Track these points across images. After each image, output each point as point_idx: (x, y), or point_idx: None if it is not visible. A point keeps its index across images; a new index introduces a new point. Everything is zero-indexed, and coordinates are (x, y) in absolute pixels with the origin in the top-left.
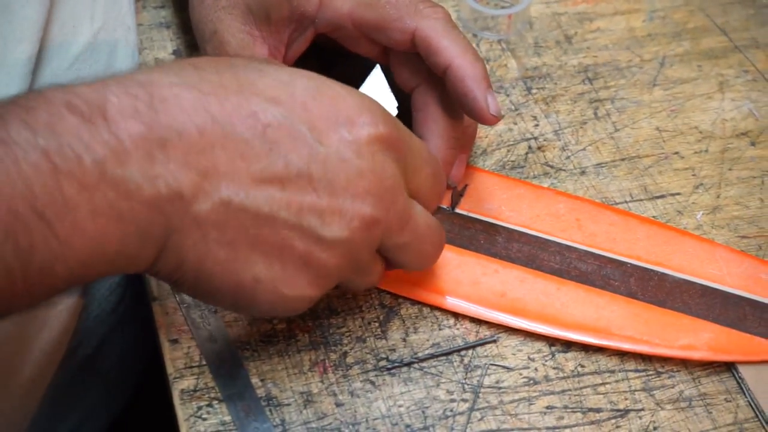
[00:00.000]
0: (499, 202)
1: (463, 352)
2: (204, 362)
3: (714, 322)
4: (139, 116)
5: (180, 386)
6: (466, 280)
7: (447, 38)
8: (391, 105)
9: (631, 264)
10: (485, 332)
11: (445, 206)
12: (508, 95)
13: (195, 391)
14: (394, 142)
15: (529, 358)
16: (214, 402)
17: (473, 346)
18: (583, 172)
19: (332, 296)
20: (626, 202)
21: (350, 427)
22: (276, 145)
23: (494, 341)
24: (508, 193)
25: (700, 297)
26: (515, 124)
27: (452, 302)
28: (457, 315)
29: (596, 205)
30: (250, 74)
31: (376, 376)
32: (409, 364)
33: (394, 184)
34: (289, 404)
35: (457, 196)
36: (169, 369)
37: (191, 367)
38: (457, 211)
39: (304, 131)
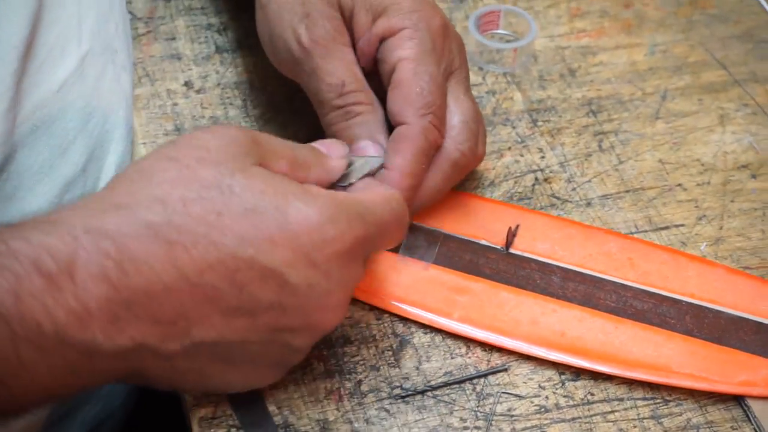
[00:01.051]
0: (551, 241)
1: (475, 381)
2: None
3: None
4: (108, 279)
5: (199, 414)
6: (525, 319)
7: (410, 151)
8: None
9: (686, 302)
10: (497, 360)
11: (499, 246)
12: (514, 127)
13: (213, 418)
14: (360, 244)
15: (539, 386)
16: (232, 429)
17: (485, 375)
18: (588, 204)
19: (346, 325)
20: (631, 233)
21: None
22: (246, 286)
23: (505, 370)
24: (560, 232)
25: (755, 334)
26: (521, 156)
27: (512, 343)
28: (468, 344)
29: (646, 244)
30: (216, 201)
31: (390, 404)
32: (422, 392)
33: (359, 280)
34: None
35: (511, 237)
36: (188, 397)
37: (209, 395)
38: (512, 251)
39: (273, 267)
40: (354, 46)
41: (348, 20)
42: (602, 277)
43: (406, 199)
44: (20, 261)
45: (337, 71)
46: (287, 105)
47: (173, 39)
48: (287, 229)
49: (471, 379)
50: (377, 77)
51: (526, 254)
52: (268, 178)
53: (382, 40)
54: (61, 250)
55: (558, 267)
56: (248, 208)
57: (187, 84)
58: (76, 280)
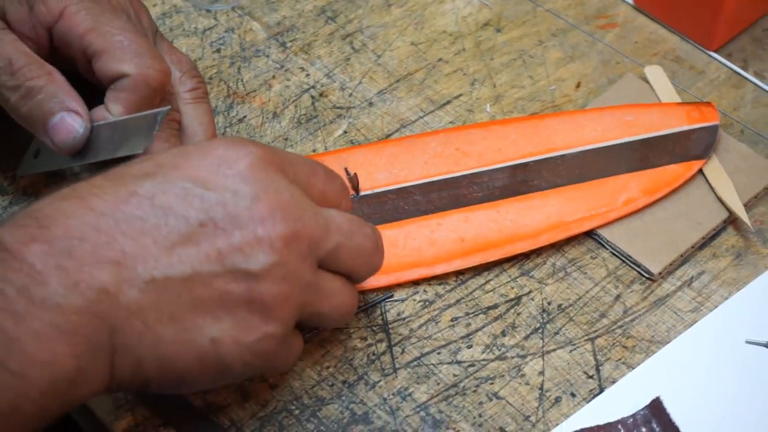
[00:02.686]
0: (384, 168)
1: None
2: (130, 396)
3: (628, 171)
4: (35, 238)
5: (120, 427)
6: (423, 244)
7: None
8: None
9: (532, 161)
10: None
11: (351, 195)
12: (267, 56)
13: (137, 425)
14: (273, 160)
15: (414, 284)
16: (161, 428)
17: (377, 303)
18: (370, 104)
19: None
20: (421, 117)
21: (295, 402)
22: (168, 209)
23: (391, 296)
24: (383, 156)
25: (603, 158)
26: (288, 80)
27: (433, 269)
28: None
29: (459, 130)
30: (118, 169)
31: None
32: (316, 328)
33: (293, 195)
34: (228, 404)
35: (356, 181)
36: (101, 414)
37: (120, 405)
38: (363, 193)
39: (188, 186)
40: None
41: (1, 17)
42: (451, 176)
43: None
44: None
45: (0, 53)
46: None
47: None
48: (187, 155)
49: (365, 309)
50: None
51: (376, 190)
52: None
53: (49, 27)
54: None
55: (411, 186)
56: (144, 159)
57: None
58: (9, 249)
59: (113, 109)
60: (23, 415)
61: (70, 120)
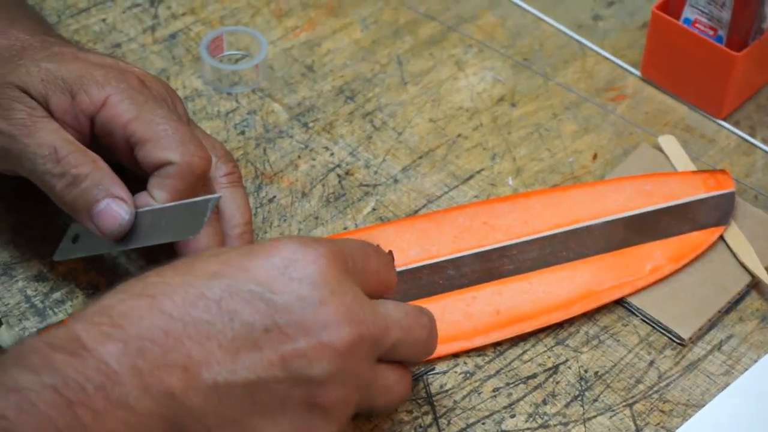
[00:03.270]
0: (415, 244)
1: None
2: None
3: (653, 240)
4: (111, 337)
5: None
6: (460, 318)
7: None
8: None
9: (559, 233)
10: None
11: None
12: (291, 136)
13: None
14: (337, 261)
15: (453, 357)
16: None
17: (420, 375)
18: (396, 180)
19: None
20: (446, 192)
21: None
22: (235, 313)
23: (433, 369)
24: (413, 232)
25: (625, 229)
26: (313, 159)
27: (472, 342)
28: None
29: (484, 204)
30: (187, 262)
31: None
32: None
33: (355, 296)
34: None
35: (391, 256)
36: None
37: None
38: (398, 269)
39: (254, 289)
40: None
41: (43, 104)
42: (482, 250)
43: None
44: (35, 347)
45: (45, 141)
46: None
47: None
48: (255, 255)
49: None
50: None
51: (410, 266)
52: None
53: (91, 116)
54: (61, 334)
55: (444, 261)
56: (212, 255)
57: None
58: (88, 347)
59: (158, 196)
60: None
61: (115, 207)
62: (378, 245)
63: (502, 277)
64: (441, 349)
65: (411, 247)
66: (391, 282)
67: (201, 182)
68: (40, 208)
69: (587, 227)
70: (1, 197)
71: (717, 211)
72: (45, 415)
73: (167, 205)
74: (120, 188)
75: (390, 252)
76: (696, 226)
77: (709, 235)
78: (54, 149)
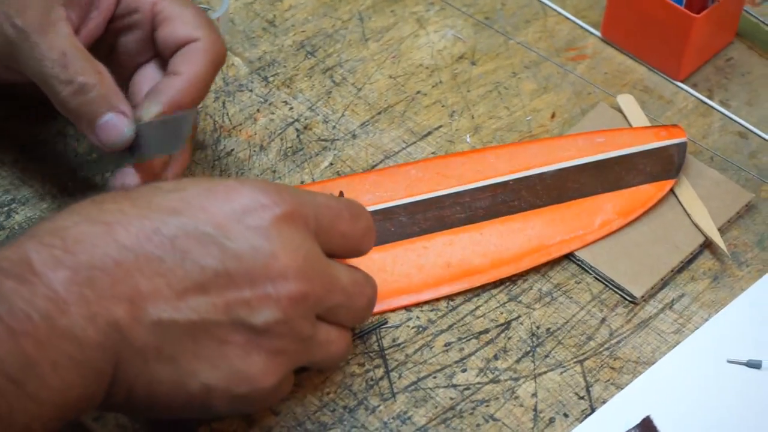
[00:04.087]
0: (368, 191)
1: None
2: (137, 425)
3: (604, 192)
4: (62, 263)
5: None
6: (411, 269)
7: (204, 58)
8: None
9: (511, 179)
10: None
11: None
12: (251, 90)
13: None
14: (296, 213)
15: (406, 310)
16: None
17: (373, 330)
18: (354, 135)
19: None
20: (403, 148)
21: (298, 428)
22: (187, 253)
23: (386, 323)
24: (365, 183)
25: (579, 176)
26: (272, 113)
27: (421, 295)
28: None
29: (438, 158)
30: (146, 194)
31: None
32: None
33: (308, 253)
34: (234, 430)
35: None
36: None
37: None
38: None
39: (210, 232)
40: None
41: None
42: (434, 195)
43: (188, 105)
44: None
45: (56, 44)
46: (36, 141)
47: None
48: (215, 197)
49: (361, 335)
50: (119, 38)
51: None
52: None
53: None
54: (13, 254)
55: (396, 206)
56: (172, 189)
57: None
58: (37, 272)
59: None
60: None
61: (118, 121)
62: (359, 209)
63: (453, 227)
64: (392, 303)
65: (364, 195)
66: (362, 249)
67: (217, 70)
68: None
69: (540, 174)
70: None
71: (668, 163)
72: None
73: (160, 119)
74: (123, 103)
75: (341, 192)
76: (647, 177)
77: (659, 189)
78: (63, 54)
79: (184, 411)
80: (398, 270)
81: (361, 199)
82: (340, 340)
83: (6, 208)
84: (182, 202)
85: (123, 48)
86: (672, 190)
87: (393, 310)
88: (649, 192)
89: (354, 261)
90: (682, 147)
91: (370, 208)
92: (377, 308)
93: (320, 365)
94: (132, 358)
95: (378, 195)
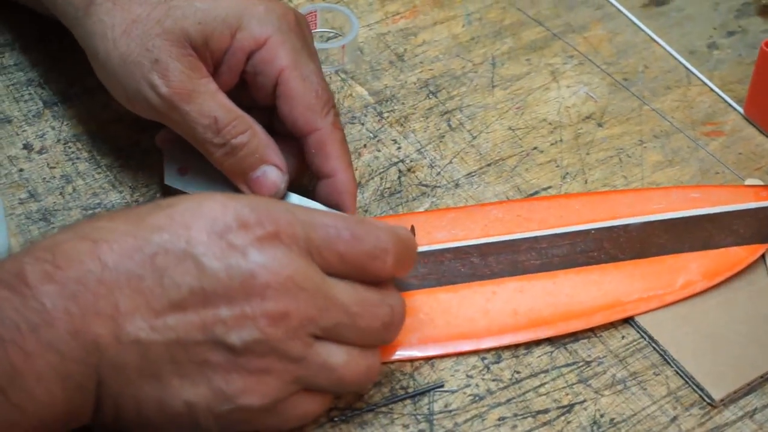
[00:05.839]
0: (444, 229)
1: (405, 383)
2: None
3: (690, 250)
4: (50, 276)
5: None
6: (476, 314)
7: (340, 149)
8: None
9: (593, 229)
10: (419, 361)
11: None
12: (363, 124)
13: None
14: (283, 233)
15: (467, 375)
16: None
17: (427, 391)
18: (457, 185)
19: None
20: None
21: None
22: (165, 271)
23: (442, 386)
24: (443, 219)
25: (666, 233)
26: (379, 151)
27: (481, 343)
28: None
29: (524, 201)
30: (141, 212)
31: (332, 427)
32: (360, 410)
33: (295, 272)
34: None
35: (413, 233)
36: None
37: None
38: (421, 249)
39: (189, 250)
40: (216, 68)
41: (202, 47)
42: (513, 238)
43: (353, 191)
44: None
45: (206, 110)
46: (135, 148)
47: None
48: (200, 213)
49: (412, 396)
50: (244, 87)
51: (433, 246)
52: None
53: (249, 53)
54: (9, 266)
55: (469, 246)
56: (165, 206)
57: (27, 146)
58: (29, 285)
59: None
60: None
61: (272, 175)
62: (368, 231)
63: (527, 273)
64: (448, 348)
65: (438, 231)
66: (370, 270)
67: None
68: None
69: (624, 226)
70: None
71: (763, 226)
72: None
73: None
74: (276, 155)
75: (412, 227)
76: (739, 239)
77: (750, 252)
78: (215, 120)
79: (174, 429)
80: (463, 313)
81: (434, 236)
82: (353, 362)
83: (90, 212)
84: (168, 219)
85: (254, 96)
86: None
87: (450, 356)
88: (739, 255)
89: (418, 298)
90: None
91: (443, 246)
92: (439, 351)
93: (333, 389)
94: (114, 375)
95: (453, 233)
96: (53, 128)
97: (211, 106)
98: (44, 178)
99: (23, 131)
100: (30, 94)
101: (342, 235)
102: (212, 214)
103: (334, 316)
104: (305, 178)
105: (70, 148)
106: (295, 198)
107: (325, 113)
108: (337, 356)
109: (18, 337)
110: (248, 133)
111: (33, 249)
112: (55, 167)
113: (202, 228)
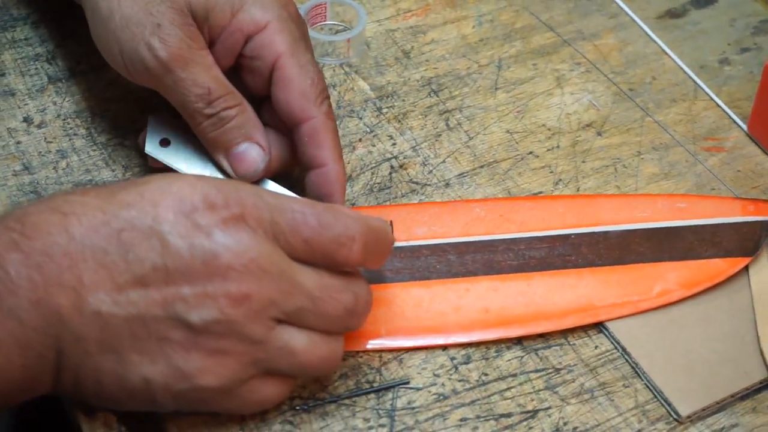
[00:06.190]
0: (423, 224)
1: (371, 377)
2: (123, 428)
3: (670, 260)
4: (17, 246)
5: None
6: (448, 309)
7: (333, 140)
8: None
9: (573, 234)
10: (387, 355)
11: None
12: (360, 118)
13: None
14: (248, 215)
15: (434, 374)
16: None
17: (391, 386)
18: (447, 185)
19: None
20: None
21: None
22: (131, 247)
23: (407, 382)
24: (425, 214)
25: (647, 241)
26: (373, 146)
27: (450, 337)
28: None
29: (507, 200)
30: (114, 188)
31: (293, 416)
32: (323, 401)
33: (259, 254)
34: None
35: (390, 229)
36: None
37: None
38: (398, 245)
39: (155, 227)
40: (211, 45)
41: (202, 20)
42: (491, 239)
43: (342, 182)
44: None
45: (200, 79)
46: (133, 127)
47: (2, 75)
48: (170, 193)
49: (377, 390)
50: (238, 71)
51: (411, 243)
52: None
53: (248, 36)
54: None
55: (446, 244)
56: (139, 183)
57: (27, 120)
58: None
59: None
60: None
61: (253, 152)
62: (335, 219)
63: (502, 273)
64: (417, 341)
65: (418, 226)
66: (335, 258)
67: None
68: None
69: (605, 233)
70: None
71: (747, 240)
72: None
73: None
74: (261, 134)
75: (390, 223)
76: (720, 251)
77: (731, 265)
78: (208, 90)
79: (132, 403)
80: (434, 308)
81: (413, 231)
82: (315, 347)
83: (80, 188)
84: (138, 196)
85: (246, 83)
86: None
87: (419, 352)
88: (719, 267)
89: (391, 291)
90: (766, 225)
91: (421, 243)
92: (407, 343)
93: (293, 373)
94: (73, 346)
95: (433, 229)
96: (55, 103)
97: (206, 76)
98: (40, 152)
99: (25, 105)
100: (36, 68)
101: (308, 221)
102: (180, 194)
103: (296, 300)
104: (295, 171)
105: (68, 124)
106: (271, 185)
107: (320, 102)
108: (298, 340)
109: None
110: (238, 108)
111: (4, 219)
112: (51, 142)
113: (169, 206)
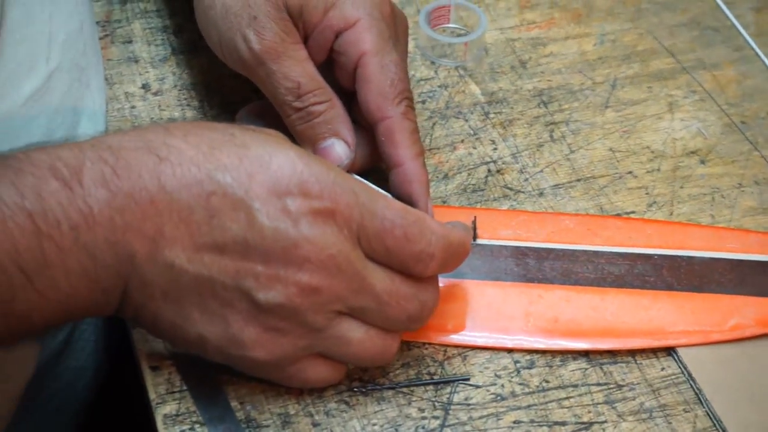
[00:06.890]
0: (509, 227)
1: (432, 369)
2: (185, 387)
3: (751, 295)
4: (106, 183)
5: (163, 411)
6: (517, 313)
7: (409, 139)
8: None
9: (657, 255)
10: (452, 351)
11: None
12: (466, 120)
13: (177, 415)
14: (338, 212)
15: (495, 374)
16: (197, 425)
17: (449, 381)
18: (541, 194)
19: None
20: None
21: None
22: (217, 213)
23: (467, 379)
24: (515, 220)
25: (730, 272)
26: (474, 148)
27: (513, 342)
28: None
29: (599, 217)
30: (214, 141)
31: (350, 396)
32: (381, 387)
33: (338, 252)
34: (267, 425)
35: (474, 226)
36: (152, 395)
37: (173, 392)
38: (480, 242)
39: (246, 200)
40: (305, 40)
41: (296, 16)
42: (574, 248)
43: (422, 182)
44: (38, 166)
45: (291, 73)
46: (243, 104)
47: (130, 42)
48: (269, 168)
49: (436, 383)
50: (331, 66)
51: (494, 241)
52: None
53: (338, 32)
54: (71, 158)
55: (529, 248)
56: (239, 144)
57: (145, 86)
58: (83, 184)
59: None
60: (31, 324)
61: (339, 148)
62: (422, 231)
63: (577, 284)
64: (482, 340)
65: (503, 228)
66: (413, 271)
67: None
68: None
69: (689, 257)
70: None
71: None
72: (9, 233)
73: None
74: (348, 131)
75: (475, 218)
76: None
77: None
78: (298, 84)
79: (183, 348)
80: (505, 310)
81: (498, 232)
82: (370, 341)
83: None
84: (236, 160)
85: (337, 79)
86: None
87: (483, 351)
88: None
89: (464, 287)
90: None
91: (502, 243)
92: (473, 341)
93: (345, 360)
94: (139, 289)
95: (517, 233)
96: (174, 74)
97: (297, 71)
98: (152, 118)
99: (146, 72)
100: (162, 39)
101: (395, 232)
102: (279, 173)
103: (363, 300)
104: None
105: (183, 95)
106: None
107: (397, 102)
108: (355, 332)
109: (56, 232)
110: (327, 104)
111: (99, 144)
112: (165, 110)
113: (264, 183)
